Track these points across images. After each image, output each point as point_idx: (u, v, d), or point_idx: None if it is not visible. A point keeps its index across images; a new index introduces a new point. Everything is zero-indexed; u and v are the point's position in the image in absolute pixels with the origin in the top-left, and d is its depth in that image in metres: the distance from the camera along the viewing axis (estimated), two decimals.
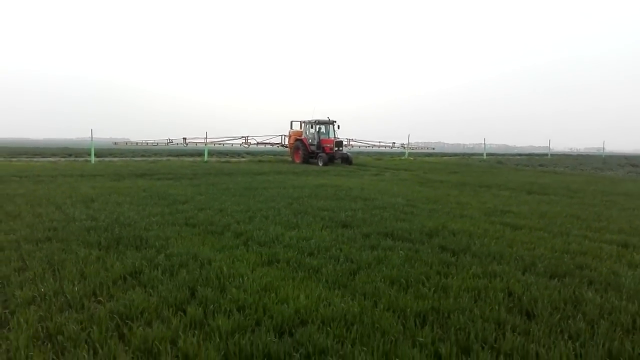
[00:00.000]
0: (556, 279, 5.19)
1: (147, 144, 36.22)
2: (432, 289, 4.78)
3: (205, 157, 30.98)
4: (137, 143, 37.76)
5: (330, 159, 28.64)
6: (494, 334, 3.72)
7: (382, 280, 5.06)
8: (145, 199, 10.74)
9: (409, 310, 4.20)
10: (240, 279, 4.86)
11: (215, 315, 3.98)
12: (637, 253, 6.57)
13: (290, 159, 32.18)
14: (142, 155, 33.29)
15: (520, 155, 54.59)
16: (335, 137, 30.59)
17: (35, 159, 27.17)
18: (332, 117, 30.84)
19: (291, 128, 33.17)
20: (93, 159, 26.74)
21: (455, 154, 54.19)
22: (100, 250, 6.16)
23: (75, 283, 4.72)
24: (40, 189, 12.11)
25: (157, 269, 5.19)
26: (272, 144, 36.29)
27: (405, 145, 43.44)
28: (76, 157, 30.67)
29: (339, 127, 30.93)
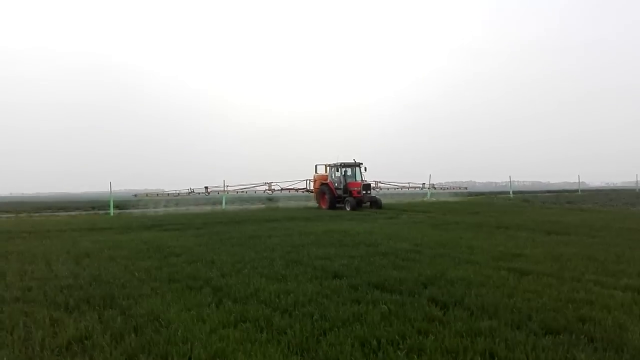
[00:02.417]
0: (550, 336, 4.55)
1: (167, 194, 36.05)
2: (405, 352, 4.23)
3: (223, 205, 30.96)
4: (157, 194, 37.66)
5: (359, 203, 27.45)
6: None
7: (352, 342, 4.53)
8: (140, 253, 10.49)
9: None
10: (191, 345, 4.41)
11: None
12: None
13: (316, 204, 31.04)
14: (165, 206, 33.54)
15: (549, 192, 52.95)
16: (362, 179, 29.36)
17: (57, 213, 27.60)
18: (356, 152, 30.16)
19: (316, 172, 31.89)
20: (112, 211, 26.98)
21: (482, 193, 52.81)
22: (65, 311, 5.84)
23: (13, 352, 4.36)
24: (41, 245, 12.02)
25: (107, 334, 4.80)
26: (297, 190, 34.83)
27: (435, 186, 42.20)
28: (98, 210, 31.06)
29: (365, 169, 29.57)
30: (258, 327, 5.05)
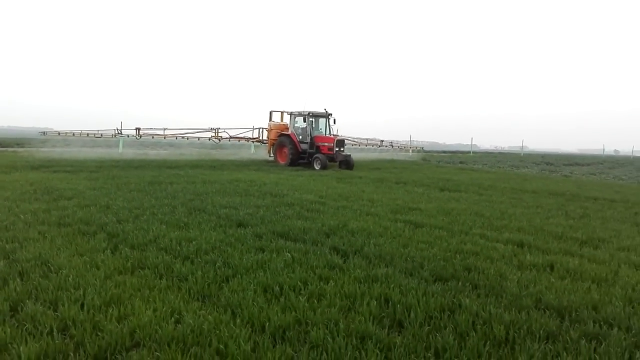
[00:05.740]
0: (440, 283, 4.91)
1: (87, 135, 31.45)
2: (306, 297, 4.34)
3: (120, 149, 29.23)
4: (73, 134, 33.01)
5: (330, 161, 23.01)
6: (350, 352, 3.31)
7: (255, 288, 4.55)
8: (26, 194, 9.66)
9: (268, 324, 3.72)
10: (83, 291, 4.18)
11: (27, 338, 3.30)
12: (531, 253, 6.47)
13: (270, 158, 25.57)
14: (53, 146, 30.93)
15: (445, 152, 56.22)
16: (332, 133, 24.65)
17: None
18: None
19: (270, 119, 26.27)
20: None
21: (388, 151, 54.79)
22: None
23: None
24: None
25: None
26: (248, 139, 29.97)
27: (393, 144, 42.67)
28: None
29: (334, 121, 24.29)
30: (157, 274, 4.90)
